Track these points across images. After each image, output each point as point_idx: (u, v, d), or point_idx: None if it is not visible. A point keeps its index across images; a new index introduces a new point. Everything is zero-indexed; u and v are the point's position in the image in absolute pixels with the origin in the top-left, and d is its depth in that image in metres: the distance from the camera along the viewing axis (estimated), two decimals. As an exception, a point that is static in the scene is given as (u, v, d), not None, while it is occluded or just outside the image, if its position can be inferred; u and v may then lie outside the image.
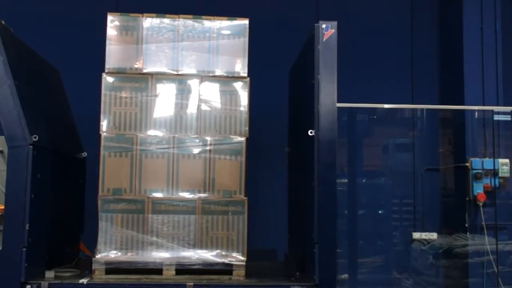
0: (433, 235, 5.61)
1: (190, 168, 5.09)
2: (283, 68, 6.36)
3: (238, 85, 5.19)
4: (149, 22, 5.19)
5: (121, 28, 5.18)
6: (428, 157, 7.11)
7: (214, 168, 5.09)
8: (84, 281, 4.79)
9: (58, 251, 5.41)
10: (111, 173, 5.04)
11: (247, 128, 5.14)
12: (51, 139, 5.18)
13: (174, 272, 4.95)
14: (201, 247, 5.00)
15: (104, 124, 5.09)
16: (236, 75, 5.19)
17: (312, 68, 4.92)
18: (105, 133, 5.07)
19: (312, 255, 4.75)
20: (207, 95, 5.16)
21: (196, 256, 4.99)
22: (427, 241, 5.37)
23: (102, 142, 5.06)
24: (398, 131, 7.26)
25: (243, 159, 5.11)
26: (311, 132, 4.83)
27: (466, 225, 6.21)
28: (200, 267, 4.99)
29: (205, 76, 5.18)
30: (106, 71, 5.13)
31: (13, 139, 4.72)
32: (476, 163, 6.33)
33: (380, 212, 6.92)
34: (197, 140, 5.11)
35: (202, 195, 5.06)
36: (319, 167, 4.77)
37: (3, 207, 5.15)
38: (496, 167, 6.16)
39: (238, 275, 4.98)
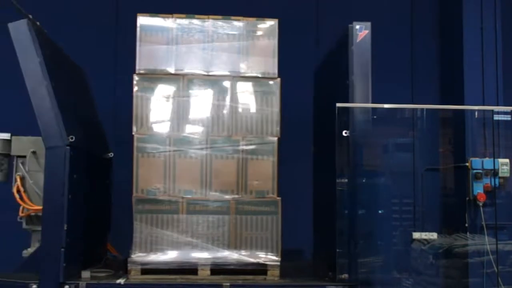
0: (433, 235, 5.66)
1: (223, 168, 5.11)
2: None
3: (269, 85, 5.23)
4: (179, 23, 5.21)
5: (151, 29, 5.20)
6: (428, 157, 7.10)
7: (246, 168, 5.12)
8: (121, 281, 4.81)
9: (89, 251, 5.42)
10: (145, 173, 5.06)
11: (278, 128, 5.17)
12: (84, 140, 5.20)
13: (209, 272, 4.98)
14: (235, 247, 5.03)
15: (136, 125, 5.09)
16: (266, 75, 5.23)
17: (345, 69, 4.96)
18: (137, 134, 5.08)
19: (349, 255, 4.78)
20: (238, 96, 5.20)
21: (231, 256, 5.01)
22: (427, 241, 5.41)
23: (135, 143, 5.08)
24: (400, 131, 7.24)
25: (275, 159, 5.15)
26: (345, 133, 4.86)
27: (466, 225, 6.23)
28: (234, 267, 5.01)
29: (236, 77, 5.21)
30: (137, 72, 5.14)
31: (50, 139, 4.74)
32: (476, 163, 6.33)
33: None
34: (230, 141, 5.12)
35: (236, 195, 5.08)
36: (354, 167, 4.80)
37: (36, 207, 5.19)
38: (496, 167, 6.17)
39: (273, 275, 5.02)
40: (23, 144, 5.38)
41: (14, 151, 5.38)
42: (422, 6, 7.88)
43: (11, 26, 4.81)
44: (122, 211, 6.30)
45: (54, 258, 4.64)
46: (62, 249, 4.66)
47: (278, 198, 5.09)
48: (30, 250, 5.33)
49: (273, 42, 5.21)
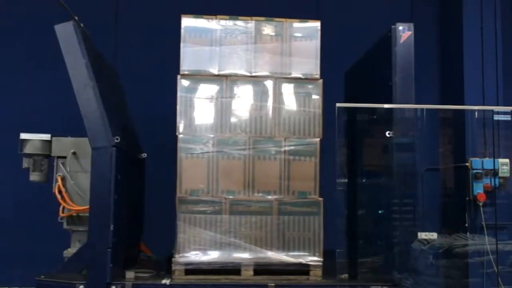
0: (433, 235, 5.65)
1: (265, 169, 5.13)
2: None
3: (311, 86, 5.24)
4: (222, 24, 5.24)
5: (195, 30, 5.22)
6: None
7: (289, 169, 5.13)
8: (167, 282, 4.83)
9: (128, 251, 5.45)
10: (188, 174, 5.08)
11: (320, 129, 5.18)
12: (124, 140, 5.21)
13: (252, 273, 5.00)
14: (278, 248, 5.05)
15: (180, 126, 5.12)
16: (309, 76, 5.24)
17: (388, 70, 4.97)
18: (181, 135, 5.11)
19: (391, 255, 4.79)
20: (281, 97, 5.21)
21: (273, 256, 5.03)
22: (427, 241, 5.42)
23: (179, 144, 5.10)
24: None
25: (318, 160, 5.16)
26: (388, 134, 4.88)
27: (466, 225, 6.21)
28: (277, 267, 5.03)
29: (279, 78, 5.22)
30: (181, 73, 5.16)
31: (96, 140, 4.76)
32: (476, 163, 6.29)
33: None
34: (272, 142, 5.14)
35: (278, 196, 5.09)
36: (397, 167, 4.81)
37: (77, 207, 5.21)
38: (496, 167, 6.14)
39: (315, 275, 5.03)
40: (63, 145, 5.42)
41: (54, 152, 5.41)
42: (422, 6, 7.89)
43: (58, 27, 4.84)
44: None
45: (101, 258, 4.66)
46: (109, 250, 4.68)
47: (320, 198, 5.11)
48: (71, 250, 5.35)
49: (315, 43, 5.23)
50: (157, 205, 6.44)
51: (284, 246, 5.05)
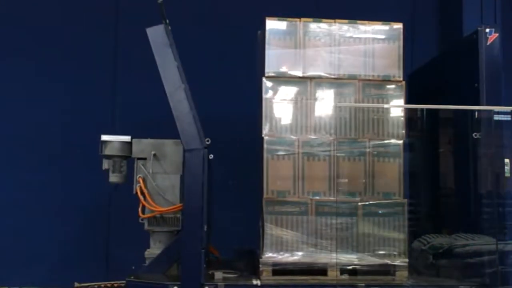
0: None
1: (350, 170, 5.16)
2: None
3: (394, 88, 5.27)
4: (306, 26, 5.27)
5: (279, 33, 5.25)
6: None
7: (373, 170, 5.16)
8: (258, 282, 4.87)
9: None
10: (274, 175, 5.12)
11: (403, 131, 5.21)
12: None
13: (338, 273, 5.03)
14: (363, 248, 5.07)
15: (266, 128, 5.16)
16: (392, 78, 5.27)
17: (473, 72, 5.00)
18: (267, 137, 5.14)
19: (479, 255, 4.83)
20: (364, 99, 5.24)
21: (359, 257, 5.06)
22: (427, 241, 5.47)
23: (265, 145, 5.14)
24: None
25: (401, 161, 5.19)
26: (475, 135, 4.91)
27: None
28: (363, 268, 5.06)
29: (362, 80, 5.25)
30: (266, 75, 5.20)
31: (189, 142, 4.81)
32: None
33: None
34: (357, 143, 5.17)
35: (363, 197, 5.13)
36: (483, 169, 4.85)
37: (160, 208, 5.24)
38: None
39: (401, 276, 5.06)
40: (143, 147, 5.46)
41: (134, 154, 5.45)
42: (422, 6, 7.91)
43: (149, 30, 4.90)
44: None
45: (195, 259, 4.71)
46: (203, 250, 4.72)
47: (404, 200, 5.14)
48: (152, 251, 5.39)
49: (398, 45, 5.26)
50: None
51: (370, 246, 5.07)
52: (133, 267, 6.54)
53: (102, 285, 6.39)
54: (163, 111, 6.96)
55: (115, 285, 6.31)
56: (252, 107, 5.68)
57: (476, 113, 5.65)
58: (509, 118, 4.95)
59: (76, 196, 7.30)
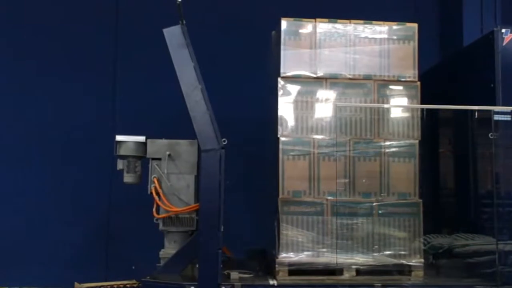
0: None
1: (366, 170, 5.16)
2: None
3: (409, 89, 5.28)
4: (322, 27, 5.28)
5: (295, 33, 5.26)
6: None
7: (389, 170, 5.17)
8: (274, 282, 4.88)
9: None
10: (290, 175, 5.12)
11: (419, 132, 5.22)
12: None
13: (354, 273, 5.04)
14: (379, 248, 5.08)
15: (281, 128, 5.16)
16: (407, 79, 5.28)
17: (489, 72, 5.01)
18: (283, 137, 5.15)
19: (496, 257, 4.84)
20: (379, 99, 5.25)
21: (375, 257, 5.07)
22: (427, 241, 5.48)
23: (280, 146, 5.15)
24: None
25: (417, 161, 5.20)
26: (491, 135, 4.92)
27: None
28: (378, 268, 5.07)
29: (377, 80, 5.26)
30: (282, 75, 5.21)
31: (206, 142, 4.81)
32: None
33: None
34: (372, 143, 5.18)
35: (379, 197, 5.13)
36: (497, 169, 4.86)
37: (175, 208, 5.25)
38: None
39: (417, 276, 5.07)
40: (157, 147, 5.46)
41: (149, 154, 5.45)
42: (422, 6, 7.91)
43: (166, 31, 4.90)
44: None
45: (212, 259, 4.71)
46: (220, 251, 4.72)
47: (419, 200, 5.15)
48: (166, 251, 5.40)
49: (413, 46, 5.28)
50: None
51: (385, 246, 5.08)
52: (133, 267, 6.63)
53: (102, 286, 6.43)
54: (163, 111, 7.10)
55: (121, 286, 6.34)
56: (258, 107, 5.70)
57: (476, 113, 5.68)
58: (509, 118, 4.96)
59: (76, 196, 7.32)
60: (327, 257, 5.04)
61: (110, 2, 7.62)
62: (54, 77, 7.46)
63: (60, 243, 7.23)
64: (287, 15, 5.33)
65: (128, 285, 6.33)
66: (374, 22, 5.31)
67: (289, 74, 5.21)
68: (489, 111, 5.01)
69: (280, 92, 5.19)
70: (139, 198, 6.29)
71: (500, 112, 5.01)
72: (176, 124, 6.64)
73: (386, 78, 5.26)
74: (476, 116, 5.38)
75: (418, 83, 5.26)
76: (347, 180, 5.16)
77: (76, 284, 6.60)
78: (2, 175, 7.24)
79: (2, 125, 7.35)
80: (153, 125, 6.54)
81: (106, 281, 6.71)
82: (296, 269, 5.04)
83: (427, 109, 5.23)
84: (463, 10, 7.32)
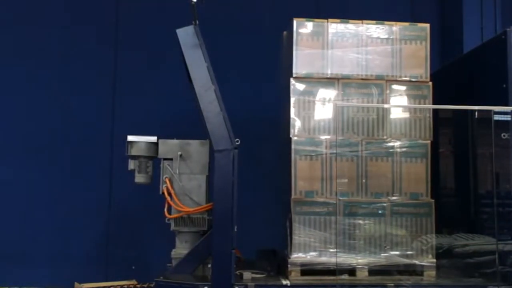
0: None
1: (378, 171, 5.17)
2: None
3: (421, 89, 5.28)
4: (334, 27, 5.29)
5: (307, 34, 5.27)
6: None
7: (401, 170, 5.17)
8: (288, 282, 4.88)
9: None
10: (303, 176, 5.13)
11: (431, 132, 5.22)
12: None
13: (367, 273, 5.04)
14: (391, 248, 5.08)
15: (294, 128, 5.17)
16: (419, 79, 5.28)
17: (501, 73, 5.01)
18: (295, 137, 5.16)
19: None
20: (392, 99, 5.25)
21: (387, 257, 5.07)
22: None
23: (293, 146, 5.16)
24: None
25: (429, 161, 5.20)
26: (504, 136, 4.92)
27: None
28: (391, 268, 5.07)
29: (390, 81, 5.26)
30: (294, 75, 5.21)
31: (219, 143, 4.82)
32: None
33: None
34: (385, 143, 5.18)
35: (391, 197, 5.14)
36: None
37: (187, 209, 5.26)
38: None
39: (429, 276, 5.07)
40: (169, 147, 5.47)
41: (161, 154, 5.46)
42: (422, 6, 7.90)
43: (180, 32, 4.91)
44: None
45: (226, 260, 4.72)
46: (233, 251, 4.73)
47: (431, 200, 5.15)
48: (178, 251, 5.40)
49: (425, 46, 5.27)
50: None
51: (398, 246, 5.09)
52: (133, 267, 6.64)
53: (102, 286, 6.44)
54: (163, 111, 7.09)
55: (121, 286, 6.35)
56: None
57: (476, 113, 5.68)
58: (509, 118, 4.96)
59: (76, 196, 7.33)
60: (339, 257, 5.01)
61: (110, 2, 7.63)
62: (54, 77, 7.49)
63: (60, 243, 7.26)
64: (291, 16, 5.34)
65: (128, 286, 6.35)
66: (386, 22, 5.31)
67: (301, 74, 5.21)
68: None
69: (292, 92, 5.19)
70: (139, 198, 6.35)
71: (501, 112, 5.01)
72: (176, 124, 6.74)
73: (398, 78, 5.26)
74: (476, 116, 5.36)
75: (430, 83, 5.26)
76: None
77: (76, 284, 6.61)
78: (2, 175, 7.24)
79: (2, 125, 7.35)
80: (153, 125, 6.54)
81: (106, 281, 6.72)
82: (309, 269, 5.04)
83: (433, 109, 5.19)
84: (463, 10, 7.33)
